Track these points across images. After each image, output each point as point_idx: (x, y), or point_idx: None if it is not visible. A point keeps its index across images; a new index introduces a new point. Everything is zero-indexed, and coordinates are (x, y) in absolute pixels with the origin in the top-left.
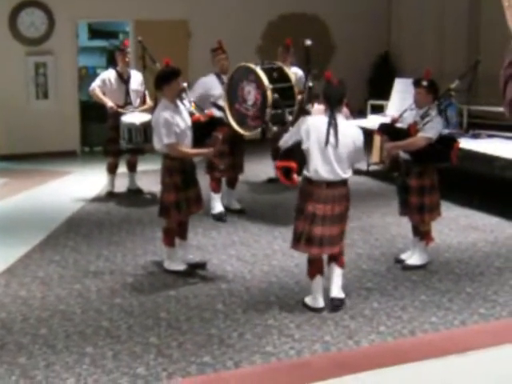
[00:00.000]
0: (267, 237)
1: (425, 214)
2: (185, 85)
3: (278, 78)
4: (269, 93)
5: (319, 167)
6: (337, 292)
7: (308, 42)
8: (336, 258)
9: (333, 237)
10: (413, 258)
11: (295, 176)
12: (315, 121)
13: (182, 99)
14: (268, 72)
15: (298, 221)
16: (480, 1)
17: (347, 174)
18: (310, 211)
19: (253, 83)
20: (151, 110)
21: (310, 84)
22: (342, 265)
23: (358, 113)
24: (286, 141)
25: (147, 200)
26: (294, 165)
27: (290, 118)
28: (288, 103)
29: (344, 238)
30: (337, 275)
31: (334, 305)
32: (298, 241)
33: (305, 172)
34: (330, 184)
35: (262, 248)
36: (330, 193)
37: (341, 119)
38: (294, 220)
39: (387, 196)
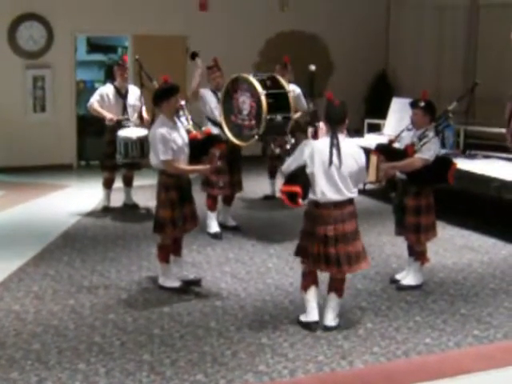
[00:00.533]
0: (262, 254)
1: (421, 234)
2: (183, 102)
3: (272, 85)
4: (263, 98)
5: (325, 189)
6: (330, 320)
7: (312, 68)
8: (337, 288)
9: (350, 255)
10: (408, 278)
11: (300, 200)
12: (318, 144)
13: (179, 116)
14: (261, 80)
15: (310, 242)
16: (478, 23)
17: (353, 194)
18: (322, 233)
19: (247, 92)
20: (148, 125)
21: (313, 107)
22: (341, 295)
23: (355, 132)
24: (289, 165)
25: (143, 215)
26: (298, 189)
27: (292, 141)
28: (283, 111)
29: (367, 255)
30: (333, 305)
31: (327, 330)
32: (316, 262)
33: (310, 195)
34: (337, 204)
35: (257, 265)
36: (338, 213)
37: (342, 139)
38: (302, 241)
39: (383, 215)
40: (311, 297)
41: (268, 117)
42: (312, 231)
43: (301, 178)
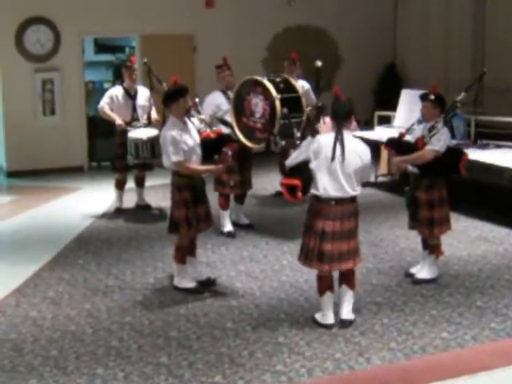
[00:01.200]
0: (276, 252)
1: (434, 228)
2: (196, 100)
3: (285, 88)
4: (277, 102)
5: (328, 185)
6: (346, 314)
7: (318, 64)
8: (347, 280)
9: (342, 253)
10: (422, 271)
11: (299, 194)
12: (324, 140)
13: (190, 116)
14: (275, 83)
15: (308, 238)
16: (484, 13)
17: (356, 192)
18: (320, 228)
19: (260, 95)
20: (159, 125)
21: (320, 104)
22: (353, 287)
23: (365, 124)
24: (293, 159)
25: (156, 216)
26: (298, 183)
27: (298, 134)
28: (296, 114)
29: (357, 257)
30: (348, 297)
31: (344, 325)
32: (308, 257)
33: (313, 190)
34: (338, 201)
35: (271, 263)
36: (338, 209)
37: (348, 136)
38: (302, 237)
39: (395, 208)
40: (326, 302)
41: (282, 121)
42: (311, 225)
43: (303, 172)
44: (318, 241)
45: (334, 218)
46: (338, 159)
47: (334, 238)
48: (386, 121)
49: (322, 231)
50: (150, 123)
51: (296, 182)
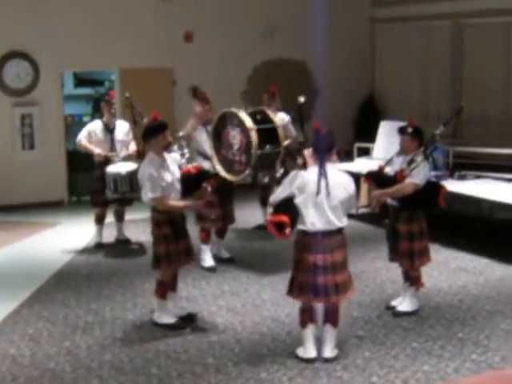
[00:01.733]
0: (257, 286)
1: (414, 260)
2: (181, 134)
3: (262, 120)
4: (253, 133)
5: (315, 219)
6: (330, 352)
7: (301, 99)
8: (332, 318)
9: (337, 285)
10: (403, 304)
11: (287, 230)
12: (307, 174)
13: (170, 151)
14: (251, 115)
15: (299, 272)
16: (462, 44)
17: (343, 223)
18: (311, 262)
19: (237, 127)
20: (137, 157)
21: (303, 139)
22: (336, 325)
23: (345, 155)
24: (277, 195)
25: (135, 251)
26: (285, 219)
27: (281, 170)
28: (273, 145)
29: (352, 287)
30: (331, 336)
31: (327, 362)
32: (301, 292)
33: (300, 226)
34: (326, 234)
35: (252, 298)
36: (327, 242)
37: (331, 168)
38: (292, 272)
39: (376, 240)
40: (308, 334)
41: (258, 152)
42: (301, 260)
43: (289, 208)
44: (310, 275)
45: (324, 251)
46: (324, 193)
47: (326, 272)
48: (365, 152)
49: (313, 265)
50: (131, 156)
51: (283, 218)
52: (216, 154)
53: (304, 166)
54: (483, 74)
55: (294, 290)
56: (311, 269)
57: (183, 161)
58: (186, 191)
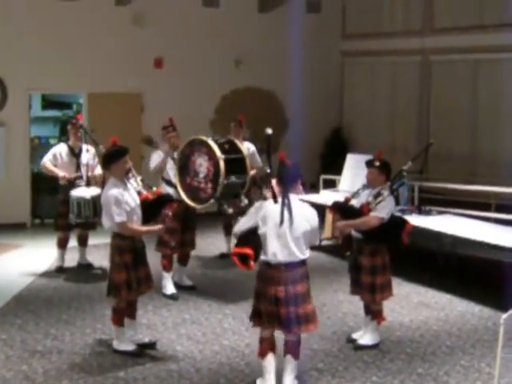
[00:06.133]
0: (218, 315)
1: (376, 294)
2: (130, 164)
3: (230, 149)
4: (221, 163)
5: (277, 251)
6: (289, 383)
7: (269, 131)
8: (293, 350)
9: (299, 317)
10: (364, 337)
11: (251, 263)
12: (271, 205)
13: (129, 178)
14: (219, 144)
15: (260, 303)
16: (430, 82)
17: (305, 255)
18: (272, 294)
19: (204, 155)
20: (100, 182)
21: (269, 171)
22: (297, 357)
23: (311, 187)
24: (241, 225)
25: (97, 275)
26: (249, 251)
27: (246, 201)
28: (239, 175)
29: (315, 320)
30: (292, 367)
31: None
32: (262, 321)
33: (262, 256)
34: (288, 265)
35: (213, 326)
36: (289, 274)
37: (295, 200)
38: (254, 302)
39: (339, 272)
40: (268, 364)
41: (225, 181)
42: (263, 292)
43: (253, 239)
44: (273, 307)
45: (285, 283)
46: (287, 224)
47: (288, 303)
48: (331, 184)
49: (275, 297)
50: (94, 179)
51: (247, 251)
52: (180, 181)
53: (274, 198)
54: (450, 109)
55: (255, 318)
56: (272, 300)
57: (140, 187)
58: (145, 218)
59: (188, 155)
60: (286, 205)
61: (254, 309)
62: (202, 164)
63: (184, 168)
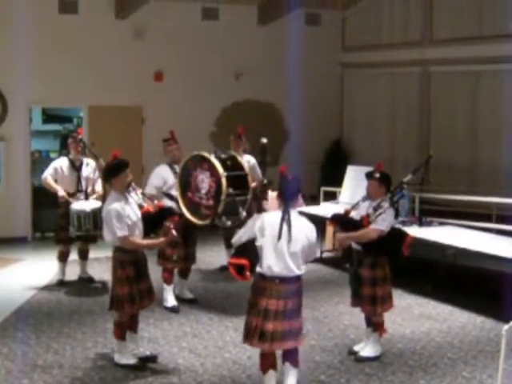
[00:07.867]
0: (219, 328)
1: (377, 306)
2: (131, 177)
3: (232, 166)
4: (223, 180)
5: (273, 263)
6: None
7: (264, 141)
8: (291, 358)
9: (284, 332)
10: (366, 349)
11: (247, 273)
12: (270, 218)
13: (129, 192)
14: (222, 160)
15: (251, 316)
16: (429, 93)
17: (301, 271)
18: (263, 306)
19: (206, 171)
20: (101, 198)
21: (266, 181)
22: (296, 365)
23: (311, 199)
24: (239, 237)
25: (98, 289)
26: (245, 262)
27: (244, 213)
28: (242, 192)
29: (299, 336)
30: (291, 376)
31: None
32: (250, 336)
33: (258, 268)
34: (282, 280)
35: (214, 339)
36: (282, 288)
37: (294, 215)
38: (246, 314)
39: (340, 284)
40: (269, 380)
41: (227, 199)
42: (254, 303)
43: (250, 250)
44: (260, 319)
45: (277, 297)
46: (285, 238)
47: (276, 318)
48: (331, 196)
49: (264, 310)
50: (93, 193)
51: (243, 261)
52: (182, 196)
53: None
54: (450, 121)
55: (244, 333)
56: (261, 313)
57: (140, 200)
58: (146, 231)
59: (190, 170)
60: (286, 220)
61: (245, 324)
62: (203, 180)
63: (185, 183)
